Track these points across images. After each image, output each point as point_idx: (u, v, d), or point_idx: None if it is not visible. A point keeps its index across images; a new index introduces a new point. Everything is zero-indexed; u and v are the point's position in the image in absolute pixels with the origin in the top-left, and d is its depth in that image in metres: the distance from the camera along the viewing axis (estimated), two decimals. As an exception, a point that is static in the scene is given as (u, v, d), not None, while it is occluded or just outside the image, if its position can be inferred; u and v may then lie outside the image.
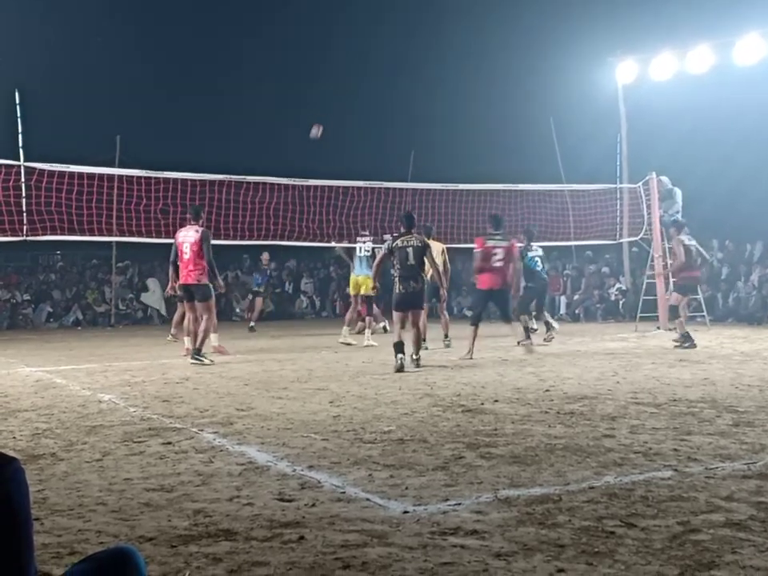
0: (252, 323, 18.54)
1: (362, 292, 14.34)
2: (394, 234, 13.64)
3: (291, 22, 31.69)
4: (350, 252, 14.72)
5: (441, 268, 11.89)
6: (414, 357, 10.40)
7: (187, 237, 11.34)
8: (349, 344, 13.91)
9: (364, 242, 14.53)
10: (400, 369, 9.88)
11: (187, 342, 12.66)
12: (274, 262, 26.47)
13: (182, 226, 12.56)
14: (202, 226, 11.46)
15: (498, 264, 11.65)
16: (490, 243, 11.79)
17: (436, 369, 10.26)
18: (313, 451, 5.39)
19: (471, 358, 11.22)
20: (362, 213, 15.23)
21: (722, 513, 3.81)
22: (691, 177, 18.28)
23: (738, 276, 19.78)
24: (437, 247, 12.81)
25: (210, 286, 11.41)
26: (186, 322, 12.88)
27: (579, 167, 20.98)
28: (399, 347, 10.06)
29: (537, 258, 14.25)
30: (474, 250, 12.05)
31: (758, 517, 3.73)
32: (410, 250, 10.40)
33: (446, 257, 13.45)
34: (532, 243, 14.30)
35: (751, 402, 7.06)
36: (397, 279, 10.48)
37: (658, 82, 19.78)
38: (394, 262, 10.52)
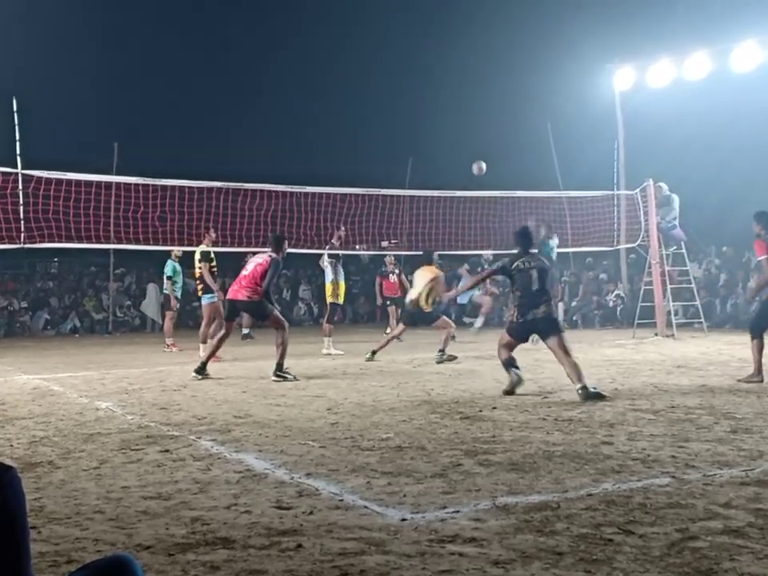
0: (246, 330, 18.32)
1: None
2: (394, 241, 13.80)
3: (292, 30, 31.78)
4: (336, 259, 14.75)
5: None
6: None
7: (257, 257, 10.92)
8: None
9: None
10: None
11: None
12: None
13: (179, 233, 12.65)
14: (279, 255, 10.75)
15: None
16: None
17: (434, 376, 10.25)
18: (311, 459, 5.38)
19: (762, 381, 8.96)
20: (360, 220, 15.22)
21: (720, 520, 3.81)
22: (689, 183, 18.32)
23: (736, 282, 19.79)
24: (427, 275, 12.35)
25: (264, 302, 10.57)
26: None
27: (576, 174, 21.03)
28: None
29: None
30: (760, 258, 9.61)
31: (755, 524, 3.73)
32: (533, 272, 8.54)
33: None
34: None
35: (749, 408, 7.06)
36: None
37: (655, 88, 19.84)
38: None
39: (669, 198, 16.75)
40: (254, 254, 11.54)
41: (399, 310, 16.40)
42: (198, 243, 13.62)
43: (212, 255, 13.52)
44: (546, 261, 9.30)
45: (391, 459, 5.30)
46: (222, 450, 5.76)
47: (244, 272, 10.71)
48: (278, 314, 10.75)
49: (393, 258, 17.82)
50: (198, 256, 13.58)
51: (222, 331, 11.08)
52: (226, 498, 4.44)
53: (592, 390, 7.94)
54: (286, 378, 10.07)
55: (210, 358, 10.90)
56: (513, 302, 8.84)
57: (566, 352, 8.25)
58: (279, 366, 10.25)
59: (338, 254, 14.67)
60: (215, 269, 13.67)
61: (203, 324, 13.52)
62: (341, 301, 14.96)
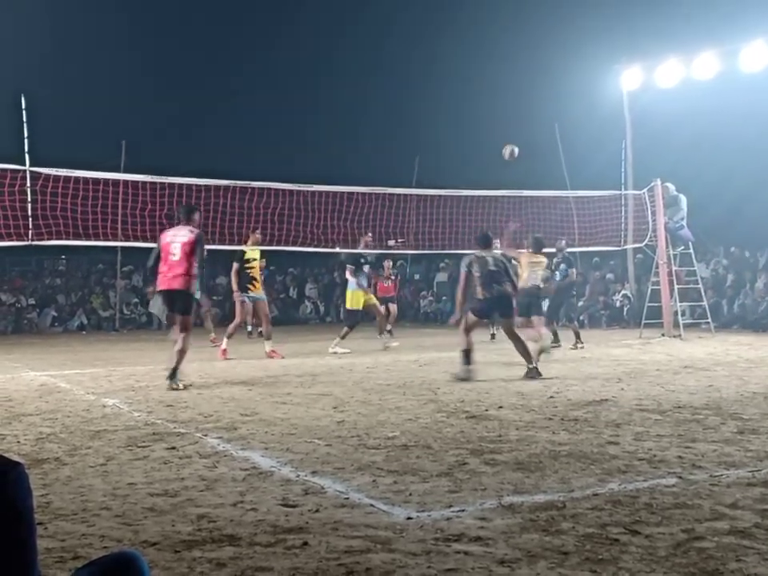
0: (249, 327, 18.40)
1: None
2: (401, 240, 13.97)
3: (298, 28, 31.77)
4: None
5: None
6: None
7: (177, 236, 9.59)
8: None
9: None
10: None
11: (267, 345, 13.44)
12: (273, 266, 26.51)
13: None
14: (198, 228, 9.85)
15: None
16: None
17: (440, 374, 10.25)
18: (316, 456, 5.39)
19: None
20: (366, 218, 15.22)
21: (726, 520, 3.80)
22: (696, 183, 18.28)
23: (744, 283, 19.74)
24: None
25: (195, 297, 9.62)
26: (265, 324, 13.72)
27: (584, 174, 21.00)
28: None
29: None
30: None
31: (762, 524, 3.72)
32: (489, 258, 10.01)
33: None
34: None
35: (756, 409, 7.03)
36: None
37: (663, 88, 19.79)
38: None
39: (676, 198, 16.72)
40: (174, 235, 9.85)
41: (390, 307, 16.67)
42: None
43: (245, 256, 13.65)
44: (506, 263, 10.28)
45: (397, 458, 5.30)
46: (229, 447, 5.77)
47: (173, 257, 9.48)
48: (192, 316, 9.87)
49: (391, 264, 17.88)
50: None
51: (173, 327, 9.95)
52: (232, 495, 4.45)
53: (535, 371, 9.60)
54: (179, 387, 9.19)
55: (179, 362, 9.52)
56: (477, 286, 10.00)
57: (516, 335, 9.81)
58: (174, 372, 9.32)
59: (361, 260, 14.86)
60: (249, 269, 13.71)
61: (236, 321, 13.78)
62: (359, 306, 14.99)
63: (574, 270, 15.33)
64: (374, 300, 15.34)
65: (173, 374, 9.31)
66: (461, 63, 29.20)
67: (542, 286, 13.23)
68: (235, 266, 13.64)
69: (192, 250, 9.42)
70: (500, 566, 3.28)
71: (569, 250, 15.41)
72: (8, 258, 25.71)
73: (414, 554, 3.43)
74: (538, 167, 22.47)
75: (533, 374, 9.70)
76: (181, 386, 9.23)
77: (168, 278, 9.50)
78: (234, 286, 13.69)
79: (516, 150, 14.52)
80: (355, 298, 14.69)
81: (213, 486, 4.67)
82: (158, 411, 7.54)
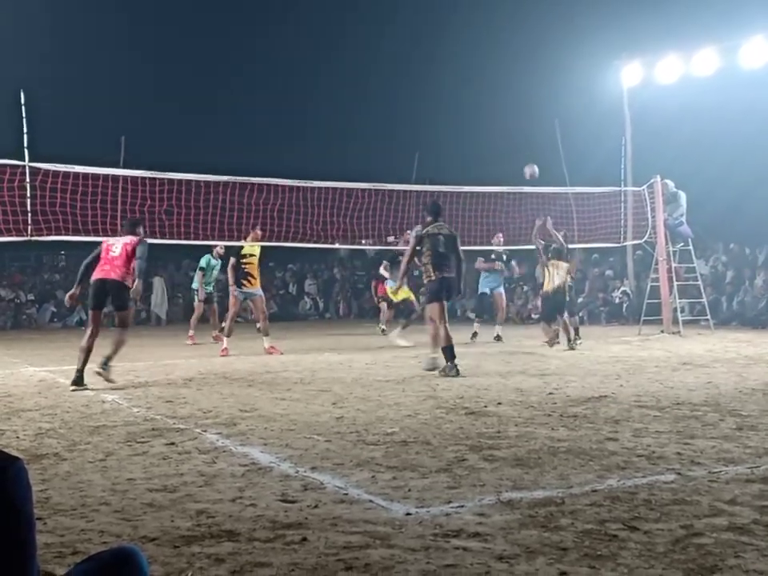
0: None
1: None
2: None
3: (297, 24, 31.77)
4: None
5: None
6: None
7: (120, 240, 9.72)
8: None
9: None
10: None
11: (266, 341, 13.50)
12: (272, 262, 26.50)
13: (186, 226, 12.76)
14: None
15: None
16: None
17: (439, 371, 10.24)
18: (316, 452, 5.39)
19: None
20: (366, 215, 15.21)
21: (725, 517, 3.80)
22: (696, 180, 18.26)
23: (743, 280, 19.75)
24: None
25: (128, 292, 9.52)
26: (263, 321, 13.68)
27: (584, 170, 20.95)
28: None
29: None
30: None
31: (761, 521, 3.72)
32: (441, 237, 9.99)
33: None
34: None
35: (755, 405, 7.04)
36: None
37: (663, 84, 19.78)
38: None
39: (675, 194, 16.71)
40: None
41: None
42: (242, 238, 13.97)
43: (243, 251, 13.72)
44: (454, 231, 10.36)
45: (396, 454, 5.30)
46: (228, 443, 5.77)
47: (113, 253, 9.52)
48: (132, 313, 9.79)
49: (388, 265, 17.85)
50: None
51: (91, 328, 9.58)
52: (231, 490, 4.45)
53: (430, 364, 9.78)
54: (109, 376, 9.30)
55: (114, 355, 9.56)
56: (423, 264, 10.05)
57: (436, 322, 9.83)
58: (108, 359, 9.38)
59: (492, 256, 15.55)
60: (246, 265, 13.74)
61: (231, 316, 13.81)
62: (408, 297, 15.27)
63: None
64: (412, 296, 15.50)
65: (107, 361, 9.35)
66: (461, 59, 29.19)
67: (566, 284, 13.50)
68: (232, 260, 13.71)
69: (133, 249, 9.50)
70: (499, 561, 3.28)
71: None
72: (7, 253, 25.73)
73: (413, 550, 3.43)
74: (537, 163, 22.44)
75: (434, 363, 9.81)
76: (112, 378, 9.30)
77: (105, 269, 9.49)
78: (231, 280, 13.71)
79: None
80: (400, 292, 14.67)
81: (212, 481, 4.68)
82: (157, 407, 7.55)
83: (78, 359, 9.24)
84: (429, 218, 10.30)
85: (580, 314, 15.98)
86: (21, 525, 2.02)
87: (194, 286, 16.70)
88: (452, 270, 10.00)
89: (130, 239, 9.65)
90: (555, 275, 13.42)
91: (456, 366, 9.63)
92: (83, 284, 9.70)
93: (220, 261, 16.11)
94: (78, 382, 9.06)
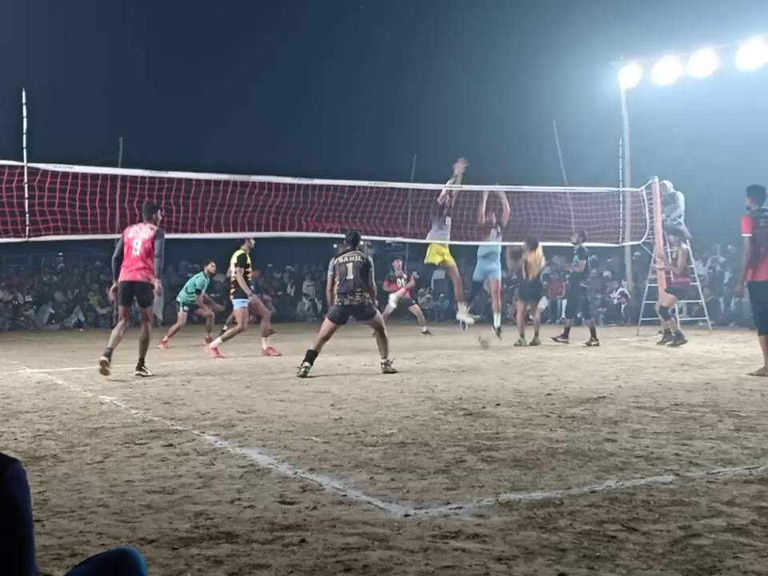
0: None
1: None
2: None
3: (297, 23, 31.78)
4: None
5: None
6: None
7: (139, 233, 10.52)
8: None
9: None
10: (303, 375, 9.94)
11: (264, 342, 13.65)
12: (271, 263, 26.53)
13: (184, 225, 12.83)
14: (158, 226, 10.73)
15: None
16: (763, 222, 9.84)
17: (437, 372, 10.26)
18: (314, 454, 5.39)
19: None
20: (368, 212, 15.18)
21: (723, 518, 3.80)
22: (694, 181, 18.29)
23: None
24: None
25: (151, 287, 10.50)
26: (237, 330, 13.56)
27: (582, 171, 20.99)
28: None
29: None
30: (744, 235, 9.87)
31: (759, 522, 3.73)
32: (349, 265, 10.42)
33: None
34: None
35: (753, 406, 7.05)
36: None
37: (661, 85, 19.80)
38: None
39: (674, 195, 16.71)
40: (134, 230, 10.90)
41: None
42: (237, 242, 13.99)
43: (248, 261, 13.69)
44: (368, 258, 10.74)
45: (394, 455, 5.30)
46: (226, 444, 5.77)
47: (134, 252, 10.40)
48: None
49: (401, 264, 17.86)
50: (234, 260, 13.69)
51: (122, 321, 10.55)
52: (229, 492, 4.45)
53: (391, 367, 10.26)
54: (147, 373, 10.25)
55: (145, 351, 10.53)
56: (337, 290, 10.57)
57: (381, 332, 10.48)
58: (142, 362, 10.37)
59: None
60: (249, 274, 13.81)
61: (239, 328, 13.58)
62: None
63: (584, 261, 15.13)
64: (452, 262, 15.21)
65: (140, 365, 10.34)
66: (460, 61, 29.19)
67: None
68: (241, 270, 13.56)
69: (152, 244, 10.42)
70: (497, 563, 3.28)
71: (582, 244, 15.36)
72: (5, 254, 25.72)
73: (412, 551, 3.43)
74: (535, 163, 22.50)
75: (389, 368, 10.34)
76: (149, 373, 10.29)
77: (131, 272, 10.43)
78: (249, 290, 13.63)
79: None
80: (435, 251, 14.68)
81: (210, 483, 4.67)
82: (155, 408, 7.54)
83: (110, 340, 10.28)
84: (348, 247, 10.81)
85: (578, 315, 15.97)
86: (19, 526, 2.01)
87: (185, 299, 16.43)
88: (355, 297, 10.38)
89: (148, 233, 10.45)
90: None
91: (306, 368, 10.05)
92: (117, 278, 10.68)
93: (210, 278, 16.68)
94: (106, 357, 10.06)
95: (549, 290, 22.57)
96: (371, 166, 22.98)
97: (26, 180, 11.92)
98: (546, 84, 25.89)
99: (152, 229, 10.52)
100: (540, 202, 16.36)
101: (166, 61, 30.30)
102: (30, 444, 5.89)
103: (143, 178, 13.17)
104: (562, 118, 23.24)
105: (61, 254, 27.17)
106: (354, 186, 14.87)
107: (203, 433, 6.23)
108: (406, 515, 3.94)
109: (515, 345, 14.22)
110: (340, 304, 10.39)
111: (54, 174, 12.23)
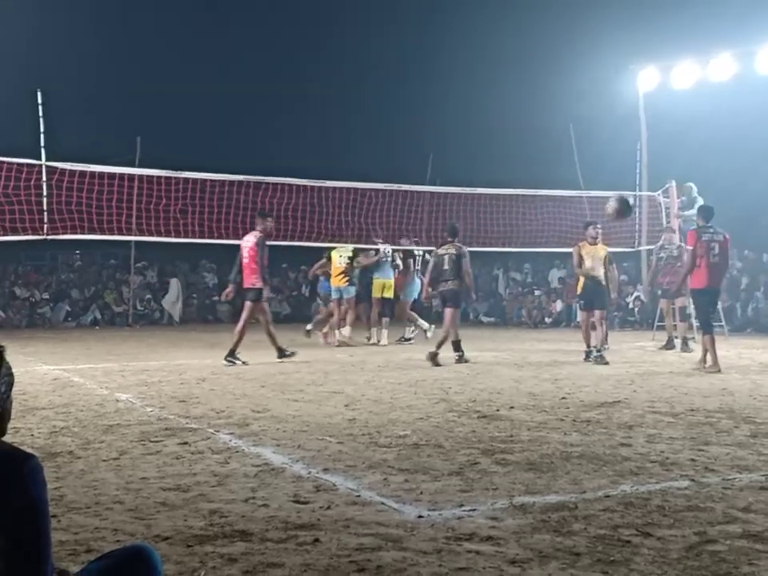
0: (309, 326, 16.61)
1: (385, 295, 15.49)
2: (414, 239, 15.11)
3: (317, 24, 31.78)
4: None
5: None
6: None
7: (245, 242, 11.57)
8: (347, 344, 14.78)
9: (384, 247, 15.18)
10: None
11: (338, 334, 14.85)
12: (285, 263, 26.56)
13: (200, 225, 12.99)
14: (263, 233, 11.55)
15: (716, 260, 10.83)
16: (705, 237, 10.85)
17: (451, 374, 10.25)
18: (328, 454, 5.39)
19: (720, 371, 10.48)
20: (380, 215, 15.22)
21: (739, 524, 3.79)
22: (712, 186, 18.15)
23: (758, 286, 19.64)
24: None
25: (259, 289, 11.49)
26: (335, 317, 14.88)
27: (598, 175, 20.88)
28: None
29: None
30: (687, 247, 11.42)
31: (775, 529, 3.71)
32: (446, 257, 11.62)
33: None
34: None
35: (769, 413, 7.01)
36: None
37: (679, 89, 19.68)
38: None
39: (695, 200, 16.61)
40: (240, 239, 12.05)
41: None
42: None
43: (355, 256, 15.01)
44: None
45: (408, 456, 5.30)
46: (240, 443, 5.78)
47: (244, 260, 11.44)
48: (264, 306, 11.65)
49: (401, 254, 17.74)
50: (348, 253, 14.88)
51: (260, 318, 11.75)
52: (243, 491, 4.46)
53: (287, 354, 11.54)
54: (235, 362, 11.26)
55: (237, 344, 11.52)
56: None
57: (448, 323, 11.46)
58: (232, 352, 11.39)
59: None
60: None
61: (350, 316, 14.90)
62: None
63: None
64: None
65: (230, 353, 11.35)
66: (475, 63, 29.12)
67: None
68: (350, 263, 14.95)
69: (255, 251, 11.32)
70: (511, 565, 3.28)
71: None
72: (22, 252, 25.81)
73: (425, 553, 3.43)
74: (552, 167, 22.41)
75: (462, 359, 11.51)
76: (239, 362, 11.25)
77: (243, 276, 11.47)
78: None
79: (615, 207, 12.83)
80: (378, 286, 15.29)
81: (225, 481, 4.69)
82: (170, 407, 7.57)
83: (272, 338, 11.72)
84: (448, 239, 11.95)
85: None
86: (36, 521, 2.03)
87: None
88: None
89: (252, 241, 11.36)
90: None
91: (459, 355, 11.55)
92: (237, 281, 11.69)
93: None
94: (281, 353, 11.76)
95: (565, 294, 22.49)
96: (386, 167, 22.97)
97: (44, 178, 12.00)
98: (564, 87, 25.79)
99: (255, 236, 11.39)
100: (555, 205, 16.32)
101: (186, 62, 30.36)
102: (47, 440, 5.93)
103: (160, 178, 13.23)
104: (579, 120, 23.17)
105: (78, 252, 27.27)
106: (366, 189, 14.93)
107: (218, 431, 6.25)
108: (420, 516, 3.95)
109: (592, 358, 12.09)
110: (437, 290, 11.90)
111: (72, 173, 12.31)
